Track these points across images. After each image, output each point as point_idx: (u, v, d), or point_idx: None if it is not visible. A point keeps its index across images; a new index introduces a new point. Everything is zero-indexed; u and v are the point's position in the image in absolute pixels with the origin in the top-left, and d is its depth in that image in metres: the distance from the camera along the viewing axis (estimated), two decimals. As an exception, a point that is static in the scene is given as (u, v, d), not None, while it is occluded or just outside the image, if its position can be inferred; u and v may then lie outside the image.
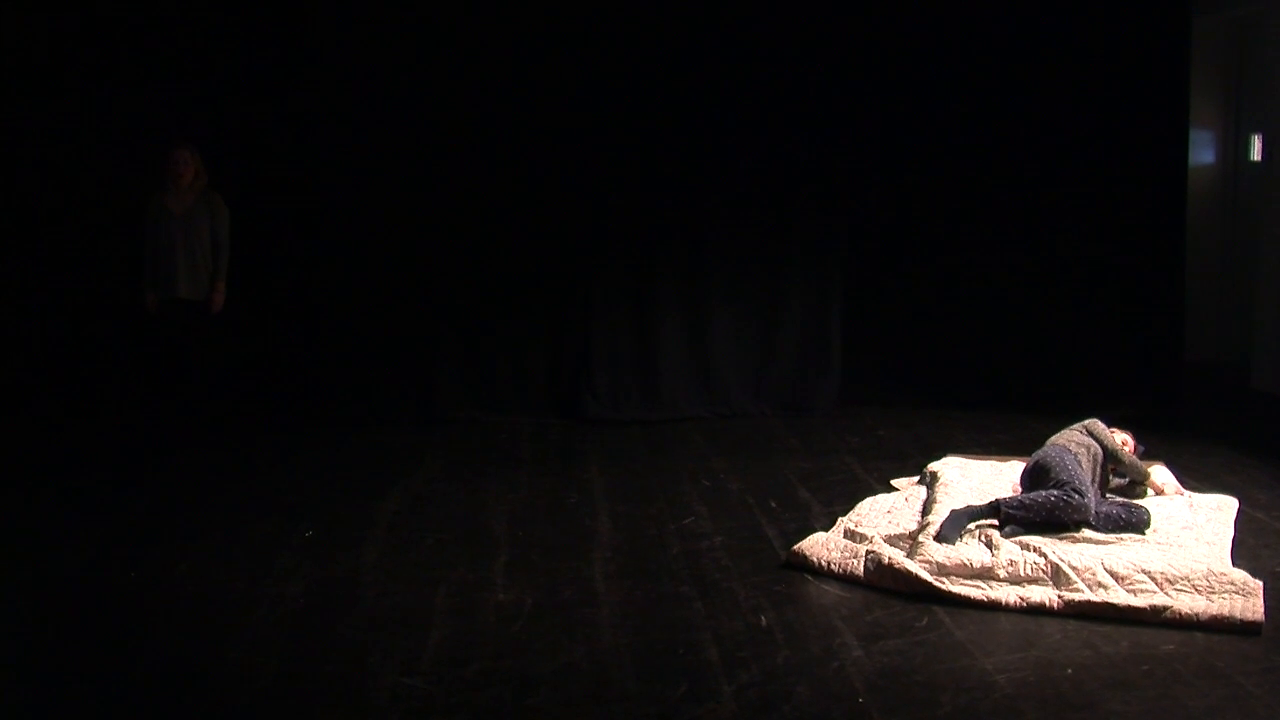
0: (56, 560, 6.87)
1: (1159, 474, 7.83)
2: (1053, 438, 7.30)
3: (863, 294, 10.88)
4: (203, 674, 5.38)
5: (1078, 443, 7.18)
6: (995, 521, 6.62)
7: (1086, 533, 6.58)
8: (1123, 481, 7.53)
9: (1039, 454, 7.11)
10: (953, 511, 6.65)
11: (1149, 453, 8.01)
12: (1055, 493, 6.67)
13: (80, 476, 8.64)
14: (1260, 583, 6.03)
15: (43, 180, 10.15)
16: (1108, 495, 7.23)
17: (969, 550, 6.36)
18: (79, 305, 10.17)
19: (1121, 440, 7.51)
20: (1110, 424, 7.53)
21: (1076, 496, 6.65)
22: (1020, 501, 6.68)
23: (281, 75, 10.28)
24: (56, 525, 7.53)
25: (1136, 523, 6.74)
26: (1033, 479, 7.04)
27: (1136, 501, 7.11)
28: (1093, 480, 7.02)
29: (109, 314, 10.06)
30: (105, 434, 9.72)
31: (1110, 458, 7.24)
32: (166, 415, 9.52)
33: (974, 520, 6.60)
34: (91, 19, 10.10)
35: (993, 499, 6.81)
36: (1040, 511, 6.61)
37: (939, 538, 6.47)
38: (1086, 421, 7.41)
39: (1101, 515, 6.76)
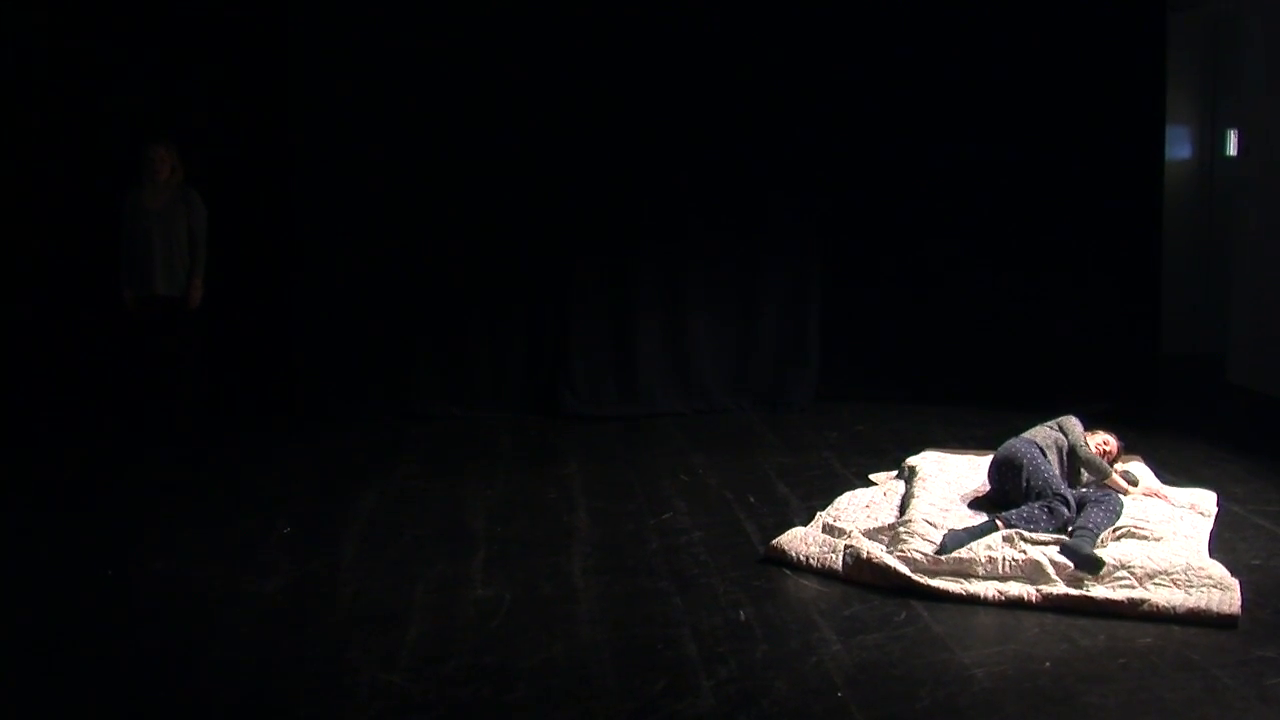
0: (33, 558, 6.84)
1: (1136, 469, 7.86)
2: (1025, 432, 7.32)
3: (840, 289, 10.88)
4: (181, 671, 5.36)
5: (1044, 437, 7.20)
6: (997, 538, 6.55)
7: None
8: (1093, 478, 7.54)
9: (1008, 448, 7.11)
10: (951, 531, 6.57)
11: (1127, 447, 8.03)
12: (1046, 506, 6.65)
13: (57, 474, 8.60)
14: (1237, 581, 6.06)
15: (18, 177, 10.08)
16: (1082, 488, 7.21)
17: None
18: (56, 303, 10.11)
19: (1102, 440, 7.51)
20: (1091, 422, 7.53)
21: (1064, 510, 6.66)
22: (1020, 516, 6.64)
23: (260, 71, 10.24)
24: (34, 522, 7.49)
25: (1115, 511, 6.75)
26: (1000, 473, 7.06)
27: (1111, 494, 7.09)
28: (1061, 476, 7.05)
29: (86, 312, 9.99)
30: (82, 431, 9.68)
31: (1073, 454, 7.24)
32: (144, 413, 9.48)
33: (974, 539, 6.44)
34: (67, 13, 10.03)
35: (988, 518, 6.74)
36: (1036, 528, 6.59)
37: (941, 552, 6.37)
38: (1061, 418, 7.43)
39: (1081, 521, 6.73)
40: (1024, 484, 6.87)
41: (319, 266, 10.27)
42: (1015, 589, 6.06)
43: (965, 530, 6.50)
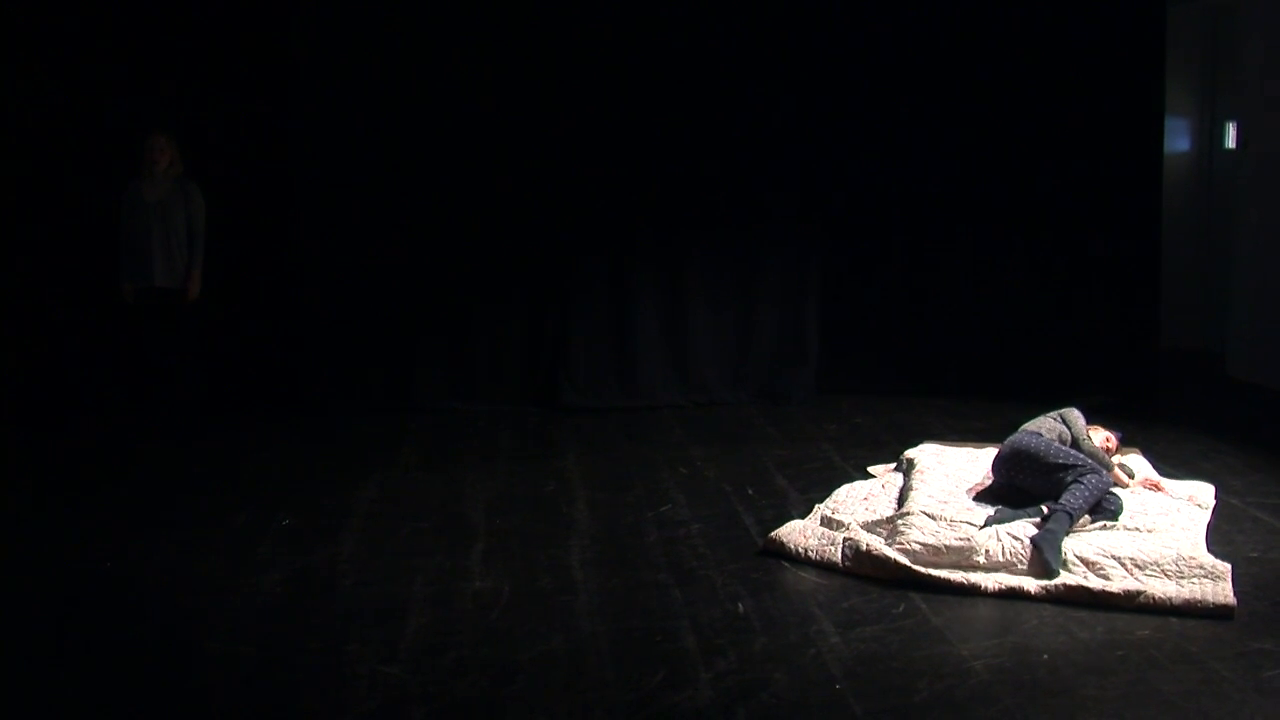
0: (33, 550, 6.83)
1: (1134, 462, 7.86)
2: (1026, 424, 7.31)
3: (839, 282, 10.90)
4: (180, 663, 5.37)
5: (1049, 428, 7.20)
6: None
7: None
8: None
9: (1016, 442, 7.08)
10: (999, 510, 6.53)
11: (1126, 440, 8.03)
12: (1093, 479, 6.65)
13: (56, 467, 8.60)
14: (1228, 566, 6.07)
15: (17, 169, 10.07)
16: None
17: (946, 537, 6.36)
18: (54, 295, 10.10)
19: (1104, 437, 7.50)
20: (1090, 416, 7.53)
21: (1105, 474, 6.73)
22: (1072, 496, 6.56)
23: (261, 64, 10.23)
24: (33, 515, 7.50)
25: (1113, 512, 6.75)
26: (1010, 466, 7.03)
27: (1113, 490, 7.10)
28: None
29: (85, 304, 9.99)
30: (81, 424, 9.68)
31: (1076, 447, 7.24)
32: (143, 404, 9.48)
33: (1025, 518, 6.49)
34: (68, 6, 10.02)
35: (1047, 506, 6.59)
36: (1091, 498, 6.61)
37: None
38: (1062, 410, 7.42)
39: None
40: (1050, 463, 6.80)
41: (319, 260, 10.28)
42: (1014, 580, 6.07)
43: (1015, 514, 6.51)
